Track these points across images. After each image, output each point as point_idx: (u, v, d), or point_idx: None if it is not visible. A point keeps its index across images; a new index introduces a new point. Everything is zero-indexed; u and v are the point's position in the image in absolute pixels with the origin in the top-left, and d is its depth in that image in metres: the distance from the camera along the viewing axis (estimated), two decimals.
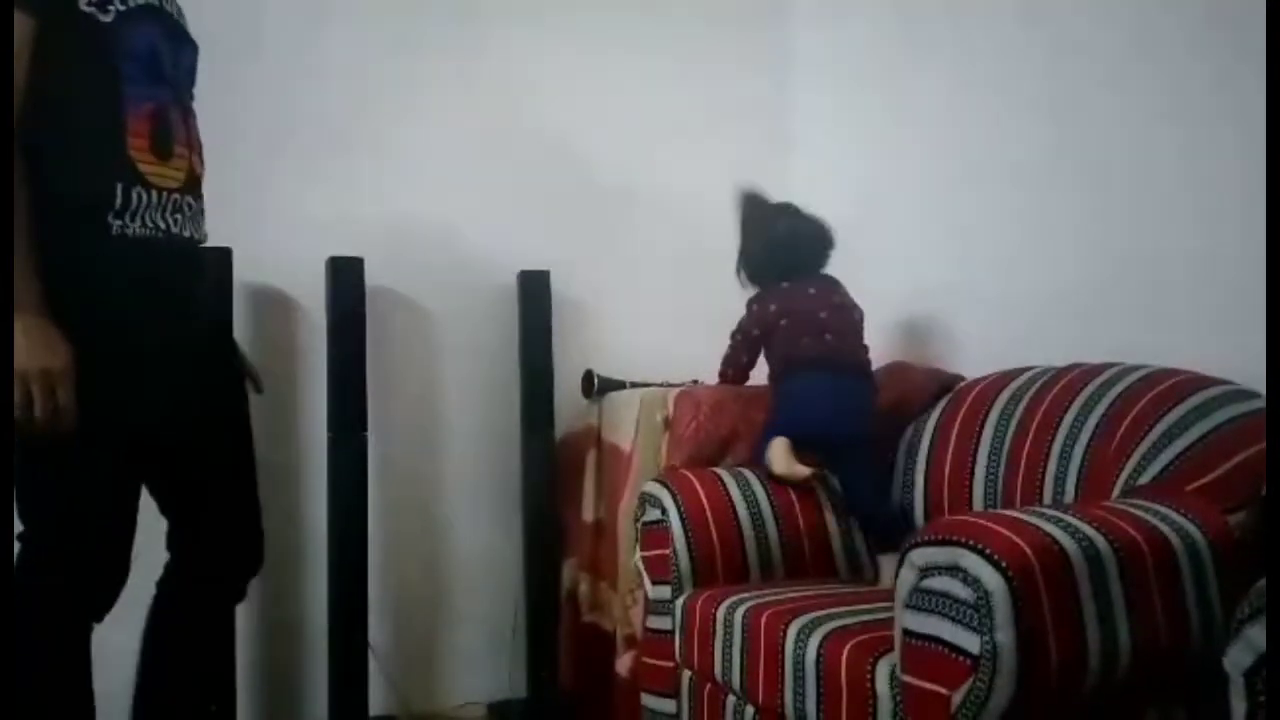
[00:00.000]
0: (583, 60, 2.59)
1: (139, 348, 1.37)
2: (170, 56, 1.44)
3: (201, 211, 1.49)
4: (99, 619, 1.43)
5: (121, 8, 1.35)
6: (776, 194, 2.29)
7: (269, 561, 2.22)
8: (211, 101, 2.19)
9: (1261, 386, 1.56)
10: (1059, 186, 2.06)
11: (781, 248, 2.06)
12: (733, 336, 2.12)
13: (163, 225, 1.38)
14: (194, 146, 1.46)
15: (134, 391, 1.37)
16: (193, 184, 1.45)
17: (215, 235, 2.09)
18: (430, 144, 2.46)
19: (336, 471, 2.19)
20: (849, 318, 2.03)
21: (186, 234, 1.45)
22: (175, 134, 1.42)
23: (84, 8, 1.33)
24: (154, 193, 1.37)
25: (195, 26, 1.57)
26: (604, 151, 2.60)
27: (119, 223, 1.34)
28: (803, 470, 1.87)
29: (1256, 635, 0.93)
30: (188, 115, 1.46)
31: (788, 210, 2.11)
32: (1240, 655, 0.94)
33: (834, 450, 1.94)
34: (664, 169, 2.63)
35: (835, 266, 2.20)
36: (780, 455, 1.89)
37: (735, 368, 2.13)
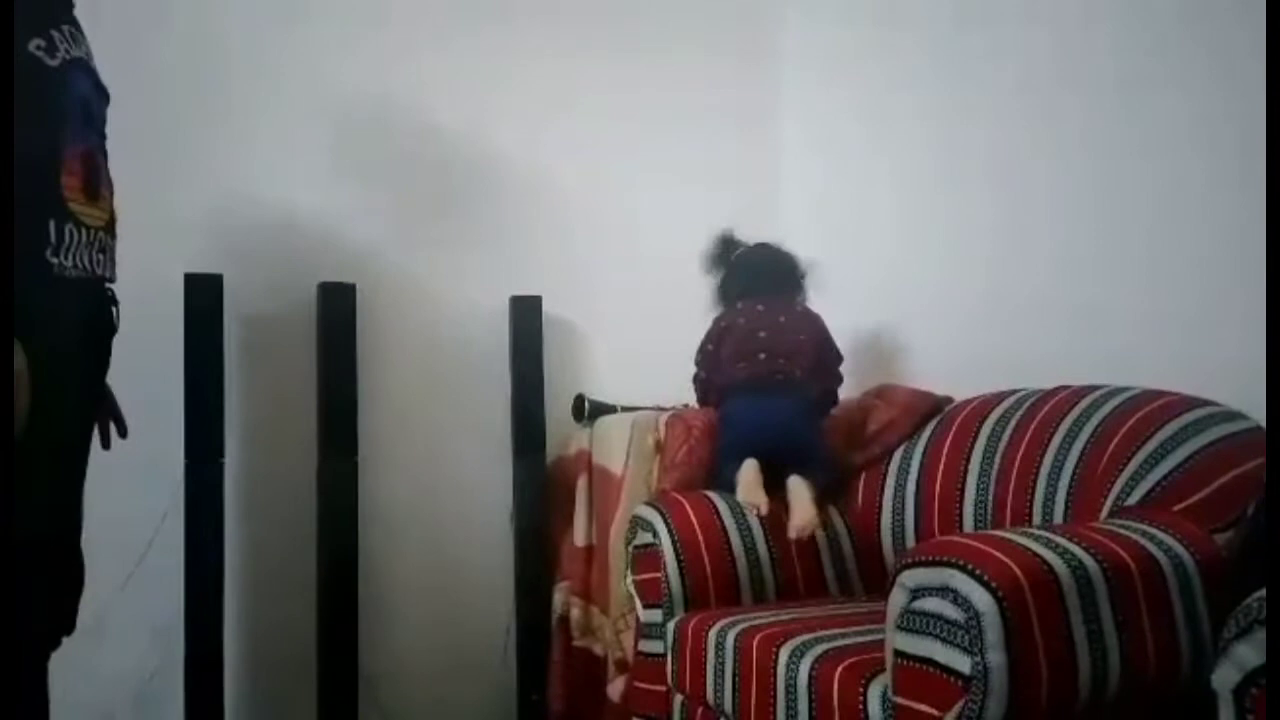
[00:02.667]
0: (576, 89, 2.61)
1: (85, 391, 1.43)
2: (97, 107, 1.50)
3: (115, 250, 1.53)
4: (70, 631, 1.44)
5: (66, 56, 1.41)
6: (763, 222, 2.35)
7: (259, 587, 2.23)
8: (206, 124, 2.25)
9: (1240, 403, 1.58)
10: (1041, 212, 2.09)
11: (737, 272, 2.22)
12: (695, 357, 2.21)
13: (87, 265, 1.43)
14: (112, 189, 1.52)
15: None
16: (112, 223, 1.50)
17: (206, 262, 2.13)
18: (421, 171, 2.47)
19: (326, 496, 2.18)
20: (791, 337, 2.10)
21: (107, 275, 1.50)
22: (102, 177, 1.47)
23: (32, 50, 1.36)
24: (83, 230, 1.41)
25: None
26: (596, 179, 2.62)
27: (56, 260, 1.37)
28: (756, 503, 1.89)
29: (1243, 653, 0.93)
30: (107, 160, 1.52)
31: (752, 245, 2.25)
32: (1228, 673, 0.95)
33: (778, 461, 1.98)
34: (656, 195, 2.66)
35: (824, 292, 2.23)
36: (745, 480, 1.92)
37: (697, 384, 2.22)
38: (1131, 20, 1.90)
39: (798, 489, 1.92)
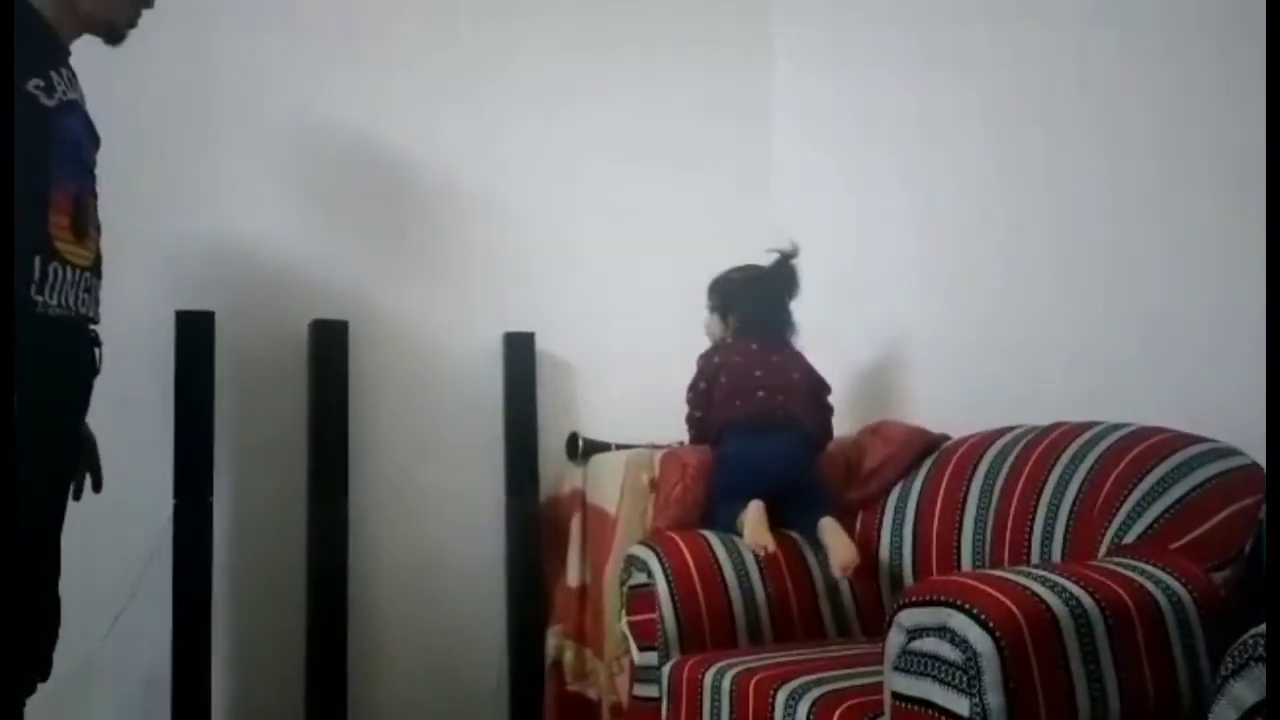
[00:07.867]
0: (569, 126, 2.63)
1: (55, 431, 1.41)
2: (88, 149, 1.52)
3: (99, 291, 1.53)
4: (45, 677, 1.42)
5: (62, 98, 1.43)
6: (759, 260, 2.34)
7: (247, 630, 2.19)
8: (197, 162, 2.25)
9: (1236, 439, 1.57)
10: (1039, 244, 2.09)
11: (743, 299, 2.19)
12: (687, 396, 2.19)
13: (72, 303, 1.43)
14: (99, 231, 1.52)
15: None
16: (98, 263, 1.50)
17: (198, 299, 2.12)
18: (413, 208, 2.48)
19: (316, 535, 2.16)
20: (786, 376, 2.11)
21: (91, 315, 1.50)
22: (89, 218, 1.48)
23: (30, 89, 1.38)
24: (69, 269, 1.42)
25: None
26: (588, 216, 2.63)
27: (40, 299, 1.37)
28: (764, 544, 1.86)
29: (1240, 691, 0.92)
30: (96, 201, 1.53)
31: (757, 271, 2.22)
32: (1225, 712, 0.93)
33: (778, 499, 1.97)
34: (651, 230, 2.66)
35: (820, 328, 2.23)
36: (751, 522, 1.90)
37: (692, 423, 2.20)
38: (1151, 35, 1.88)
39: (832, 528, 1.91)
